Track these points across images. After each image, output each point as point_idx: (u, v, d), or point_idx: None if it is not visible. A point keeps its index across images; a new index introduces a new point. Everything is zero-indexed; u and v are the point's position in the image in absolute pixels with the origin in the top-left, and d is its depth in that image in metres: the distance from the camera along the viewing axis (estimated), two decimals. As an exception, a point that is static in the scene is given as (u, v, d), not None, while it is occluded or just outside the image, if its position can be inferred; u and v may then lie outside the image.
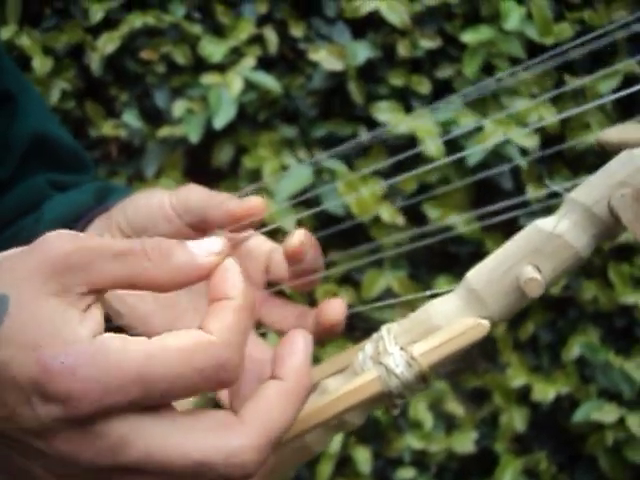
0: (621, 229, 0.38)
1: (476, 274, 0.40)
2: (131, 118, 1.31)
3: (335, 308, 0.47)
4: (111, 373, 0.30)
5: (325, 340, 0.48)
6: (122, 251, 0.33)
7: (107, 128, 1.33)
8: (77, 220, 0.53)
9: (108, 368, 0.30)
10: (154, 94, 1.32)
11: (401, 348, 0.39)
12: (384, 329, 0.42)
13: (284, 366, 0.35)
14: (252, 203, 0.45)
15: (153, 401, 0.31)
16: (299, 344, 0.36)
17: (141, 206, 0.49)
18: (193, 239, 0.36)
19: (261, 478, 0.37)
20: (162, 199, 0.48)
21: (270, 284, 0.51)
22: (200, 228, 0.48)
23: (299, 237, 0.46)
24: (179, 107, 1.28)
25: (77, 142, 0.66)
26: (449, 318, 0.40)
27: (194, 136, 1.24)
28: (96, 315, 0.32)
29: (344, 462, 1.34)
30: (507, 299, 0.39)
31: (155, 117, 1.32)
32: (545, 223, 0.39)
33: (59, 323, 0.31)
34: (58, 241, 0.33)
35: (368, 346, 0.42)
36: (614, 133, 0.44)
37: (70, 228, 0.52)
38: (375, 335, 0.43)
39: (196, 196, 0.48)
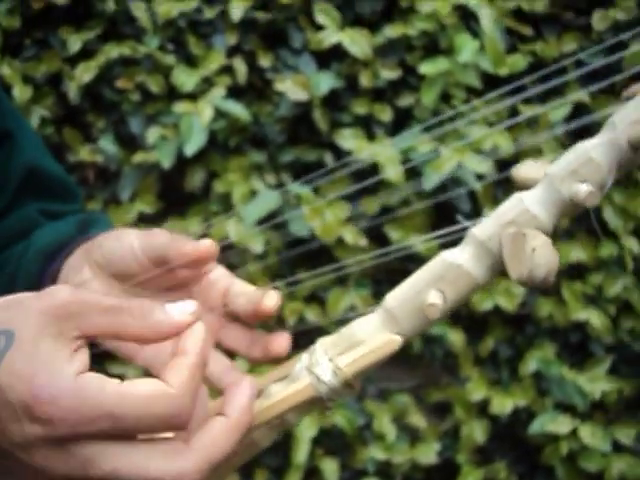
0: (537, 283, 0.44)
1: (393, 296, 0.46)
2: (107, 144, 1.36)
3: (281, 343, 0.53)
4: (87, 406, 0.37)
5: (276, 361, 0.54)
6: (111, 307, 0.39)
7: (84, 153, 1.38)
8: (61, 249, 0.59)
9: (85, 402, 0.37)
10: (129, 121, 1.37)
11: (330, 359, 0.46)
12: (318, 343, 0.48)
13: (230, 405, 0.42)
14: (203, 247, 0.51)
15: (119, 433, 0.38)
16: (245, 388, 0.43)
17: (114, 245, 0.55)
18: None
19: (215, 471, 0.44)
20: (132, 240, 0.55)
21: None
22: (163, 265, 0.54)
23: (273, 301, 0.51)
24: (153, 133, 1.33)
25: (66, 173, 0.72)
26: (369, 334, 0.46)
27: (166, 162, 1.30)
28: (83, 356, 0.39)
29: (312, 473, 1.39)
30: (416, 319, 0.45)
31: (130, 143, 1.38)
32: (449, 254, 0.45)
33: (51, 360, 0.37)
34: (61, 292, 0.39)
35: (304, 357, 0.48)
36: (523, 170, 0.50)
37: (54, 256, 0.58)
38: (311, 347, 0.49)
39: (160, 240, 0.54)
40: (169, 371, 0.39)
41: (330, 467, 1.38)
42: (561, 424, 1.35)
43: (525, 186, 0.48)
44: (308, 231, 1.27)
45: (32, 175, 0.67)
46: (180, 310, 0.41)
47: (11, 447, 0.38)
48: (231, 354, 0.56)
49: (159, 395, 0.38)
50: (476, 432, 1.41)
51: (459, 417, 1.42)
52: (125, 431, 0.38)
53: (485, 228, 0.44)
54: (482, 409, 1.41)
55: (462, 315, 1.40)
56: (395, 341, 0.45)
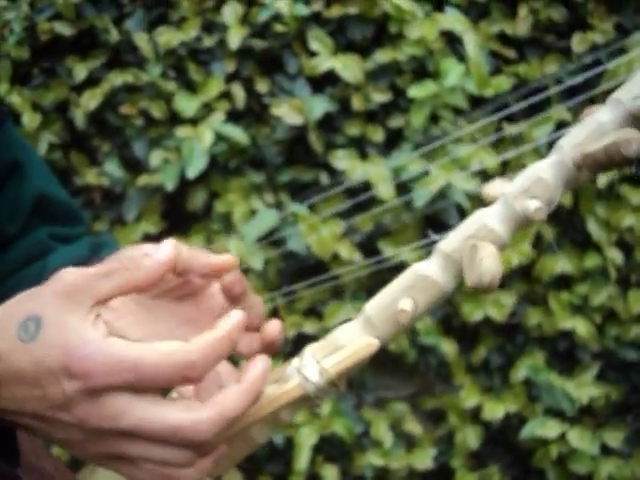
0: (485, 287, 0.50)
1: (370, 305, 0.52)
2: (112, 167, 1.43)
3: (273, 328, 0.58)
4: (115, 360, 0.43)
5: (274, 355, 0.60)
6: (110, 270, 0.46)
7: (90, 177, 1.44)
8: None
9: (113, 357, 0.43)
10: (133, 145, 1.43)
11: (317, 362, 0.52)
12: (307, 348, 0.54)
13: (244, 374, 0.48)
14: (229, 260, 0.56)
15: (143, 385, 0.44)
16: (259, 361, 0.49)
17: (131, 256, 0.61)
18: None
19: (218, 463, 0.50)
20: (150, 250, 0.60)
21: None
22: (182, 275, 0.59)
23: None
24: (156, 157, 1.40)
25: (72, 199, 0.78)
26: (351, 338, 0.52)
27: (170, 184, 1.36)
28: (103, 322, 0.45)
29: (312, 479, 1.45)
30: (391, 324, 0.51)
31: (134, 166, 1.44)
32: (419, 266, 0.51)
33: (79, 328, 0.44)
34: (68, 274, 0.46)
35: (295, 360, 0.54)
36: (491, 188, 0.56)
37: None
38: (302, 351, 0.55)
39: (182, 251, 0.60)
40: (198, 335, 0.46)
41: (330, 473, 1.43)
42: (551, 429, 1.41)
43: (492, 202, 0.54)
44: (305, 247, 1.33)
45: (41, 202, 0.73)
46: (161, 251, 0.48)
47: (51, 410, 0.45)
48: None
49: (177, 349, 0.44)
50: (470, 438, 1.47)
51: (453, 423, 1.48)
52: (147, 382, 0.44)
53: (450, 242, 0.50)
54: (475, 415, 1.47)
55: (454, 326, 1.46)
56: (373, 344, 0.51)
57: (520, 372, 1.45)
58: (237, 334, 0.47)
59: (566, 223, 1.45)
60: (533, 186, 0.51)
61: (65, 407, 0.45)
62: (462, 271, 0.50)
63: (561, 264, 1.42)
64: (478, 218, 0.50)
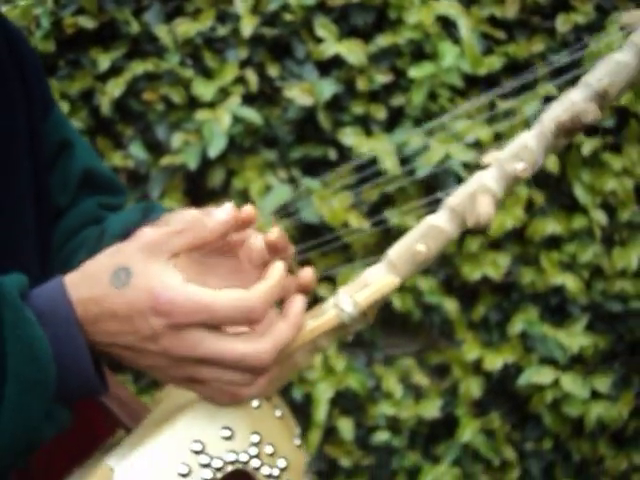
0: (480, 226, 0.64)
1: (393, 250, 0.65)
2: (137, 150, 1.54)
3: (307, 273, 0.68)
4: (193, 302, 0.52)
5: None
6: (181, 229, 0.56)
7: (116, 159, 1.55)
8: (130, 232, 0.71)
9: (192, 300, 0.53)
10: (155, 129, 1.54)
11: (350, 296, 0.64)
12: (340, 289, 0.67)
13: (288, 311, 0.60)
14: (245, 211, 0.64)
15: (214, 323, 0.54)
16: (298, 300, 0.60)
17: (180, 218, 0.69)
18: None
19: (268, 385, 0.62)
20: (195, 213, 0.68)
21: None
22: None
23: (275, 233, 0.66)
24: (177, 139, 1.51)
25: (113, 172, 0.89)
26: (377, 277, 0.65)
27: (192, 164, 1.48)
28: (181, 272, 0.54)
29: (330, 432, 1.58)
30: (409, 264, 0.64)
31: (157, 148, 1.55)
32: (431, 218, 0.64)
33: (162, 275, 0.53)
34: (148, 232, 0.56)
35: (332, 298, 0.67)
36: (488, 156, 0.69)
37: (125, 239, 0.75)
38: (336, 292, 0.67)
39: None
40: (254, 287, 0.56)
41: (346, 425, 1.56)
42: (545, 376, 1.55)
43: (489, 167, 0.67)
44: (318, 218, 1.46)
45: (88, 175, 0.82)
46: (220, 212, 0.57)
47: (141, 342, 0.54)
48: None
49: (243, 296, 0.55)
50: (472, 388, 1.60)
51: (457, 376, 1.61)
52: (217, 321, 0.54)
53: (455, 198, 0.64)
54: (477, 367, 1.60)
55: (455, 286, 1.59)
56: (395, 281, 0.64)
57: (516, 326, 1.58)
58: (283, 282, 0.58)
59: (554, 188, 1.57)
60: (520, 152, 0.64)
61: (152, 339, 0.54)
62: (464, 221, 0.63)
63: (551, 226, 1.55)
64: (477, 178, 0.63)
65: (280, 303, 0.63)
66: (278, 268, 0.58)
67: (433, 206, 0.67)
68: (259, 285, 0.56)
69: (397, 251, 0.65)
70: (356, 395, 1.57)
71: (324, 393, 1.52)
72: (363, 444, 1.59)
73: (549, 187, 1.57)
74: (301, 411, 1.55)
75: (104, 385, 0.58)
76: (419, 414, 1.59)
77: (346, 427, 1.56)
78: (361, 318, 0.65)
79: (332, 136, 1.53)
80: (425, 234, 0.64)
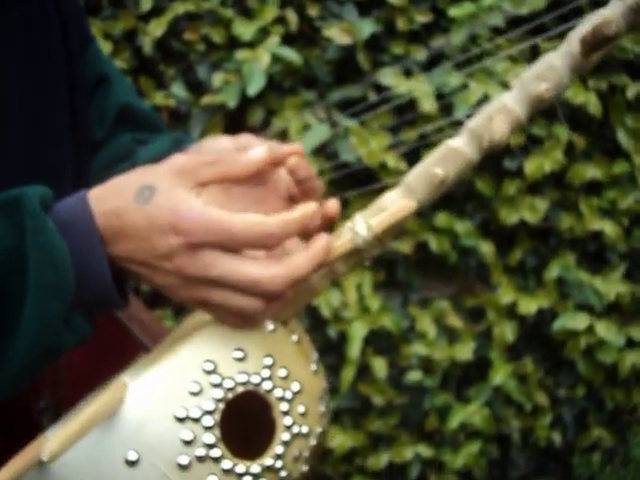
0: (495, 144, 0.64)
1: (411, 174, 0.65)
2: (178, 89, 1.56)
3: (332, 205, 0.68)
4: (212, 223, 0.53)
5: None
6: (214, 160, 0.57)
7: (158, 99, 1.57)
8: (161, 160, 0.77)
9: (211, 220, 0.53)
10: (196, 68, 1.56)
11: (365, 221, 0.65)
12: (357, 214, 0.68)
13: (312, 245, 0.59)
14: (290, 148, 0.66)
15: (231, 246, 0.54)
16: (323, 238, 0.60)
17: (212, 148, 0.70)
18: None
19: (282, 309, 0.62)
20: (225, 142, 0.70)
21: None
22: None
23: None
24: (218, 79, 1.52)
25: (152, 110, 0.90)
26: (393, 202, 0.66)
27: (232, 102, 1.50)
28: (202, 198, 0.55)
29: (364, 370, 1.60)
30: (427, 188, 0.65)
31: (198, 88, 1.56)
32: (450, 141, 0.65)
33: (184, 197, 0.54)
34: (180, 157, 0.56)
35: (348, 223, 0.67)
36: (514, 80, 0.69)
37: None
38: (353, 217, 0.68)
39: (248, 140, 0.69)
40: (275, 215, 0.57)
41: (379, 364, 1.58)
42: (580, 321, 1.54)
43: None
44: (355, 158, 1.46)
45: (125, 110, 0.82)
46: (256, 152, 0.58)
47: (156, 259, 0.55)
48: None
49: (261, 221, 0.56)
50: (506, 332, 1.60)
51: (491, 319, 1.62)
52: (235, 244, 0.55)
53: (475, 120, 0.64)
54: (511, 311, 1.61)
55: (492, 229, 1.59)
56: (411, 205, 0.65)
57: (552, 271, 1.58)
58: (307, 221, 0.58)
59: (596, 132, 1.55)
60: (545, 72, 0.63)
61: (168, 257, 0.55)
62: (484, 145, 0.64)
63: (591, 171, 1.53)
64: (499, 100, 0.63)
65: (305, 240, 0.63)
66: (308, 207, 0.59)
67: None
68: (281, 215, 0.57)
69: (415, 175, 0.65)
70: (390, 335, 1.59)
71: (358, 331, 1.54)
72: (396, 383, 1.62)
73: (591, 131, 1.55)
74: (335, 349, 1.58)
75: (123, 299, 0.60)
76: (452, 356, 1.60)
77: (379, 366, 1.58)
78: (376, 242, 0.65)
79: (371, 76, 1.52)
80: (443, 158, 0.65)
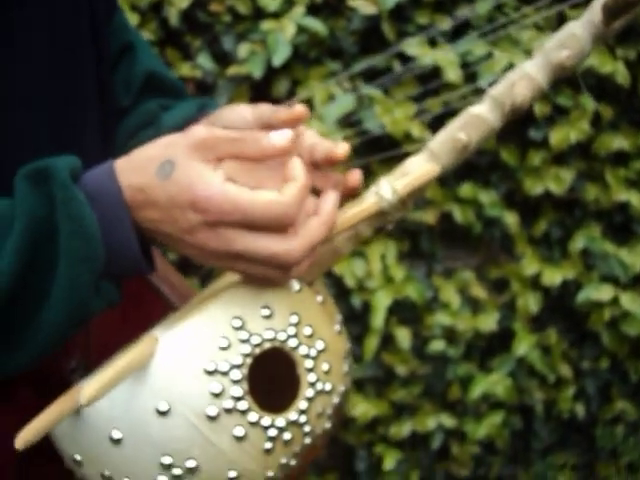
0: (517, 109, 0.64)
1: (434, 140, 0.66)
2: (204, 61, 1.56)
3: (354, 176, 0.69)
4: (229, 201, 0.54)
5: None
6: (234, 138, 0.56)
7: (184, 70, 1.57)
8: (186, 125, 0.75)
9: (228, 199, 0.54)
10: (222, 39, 1.56)
11: (389, 184, 0.66)
12: (382, 178, 0.69)
13: (321, 209, 0.61)
14: (297, 110, 0.67)
15: (249, 223, 0.55)
16: (331, 196, 0.62)
17: (231, 115, 0.72)
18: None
19: (310, 269, 0.64)
20: (244, 111, 0.72)
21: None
22: (268, 129, 0.69)
23: (343, 149, 0.67)
24: (243, 49, 1.53)
25: (177, 78, 0.91)
26: (417, 166, 0.66)
27: (257, 72, 1.50)
28: (221, 173, 0.56)
29: (387, 340, 1.62)
30: (450, 153, 0.65)
31: (224, 59, 1.57)
32: (472, 108, 0.65)
33: (203, 174, 0.55)
34: (200, 131, 0.56)
35: (373, 187, 0.68)
36: (536, 47, 0.69)
37: (182, 130, 0.77)
38: (378, 180, 0.69)
39: (266, 109, 0.71)
40: (284, 187, 0.58)
41: (403, 334, 1.59)
42: (605, 292, 1.54)
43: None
44: (380, 127, 1.47)
45: (150, 78, 0.83)
46: (279, 136, 0.58)
47: (180, 233, 0.57)
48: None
49: (277, 200, 0.56)
50: (530, 303, 1.61)
51: (515, 290, 1.62)
52: (252, 222, 0.55)
53: (498, 87, 0.64)
54: (535, 283, 1.61)
55: (517, 200, 1.59)
56: (435, 169, 0.66)
57: (577, 242, 1.57)
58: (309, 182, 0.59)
59: (624, 103, 1.54)
60: (567, 40, 0.63)
61: (189, 232, 0.56)
62: (506, 111, 0.64)
63: (618, 141, 1.52)
64: (520, 67, 0.64)
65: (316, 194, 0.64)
66: (295, 164, 0.59)
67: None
68: (290, 187, 0.57)
69: (438, 140, 0.66)
70: (414, 305, 1.59)
71: (382, 301, 1.55)
72: (419, 353, 1.63)
73: (619, 101, 1.53)
74: (359, 319, 1.59)
75: (151, 265, 0.62)
76: (476, 326, 1.61)
77: (403, 336, 1.60)
78: (400, 206, 0.67)
79: (396, 46, 1.52)
80: (466, 123, 0.65)
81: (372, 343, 1.57)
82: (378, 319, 1.55)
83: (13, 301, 0.56)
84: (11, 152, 0.63)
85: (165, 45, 1.59)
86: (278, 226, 0.57)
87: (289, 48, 1.49)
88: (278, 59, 1.48)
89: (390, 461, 1.62)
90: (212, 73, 1.57)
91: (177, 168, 0.56)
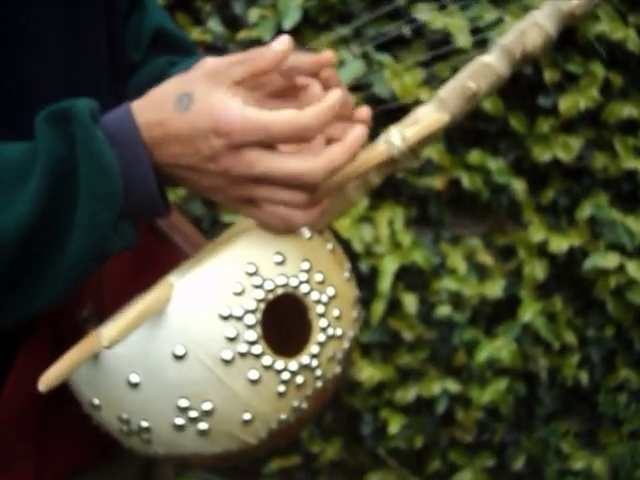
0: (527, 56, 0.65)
1: (444, 88, 0.67)
2: (214, 25, 1.57)
3: (363, 110, 0.69)
4: (251, 123, 0.55)
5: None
6: (243, 58, 0.59)
7: (195, 34, 1.58)
8: None
9: (250, 120, 0.56)
10: (232, 4, 1.56)
11: (399, 131, 0.67)
12: (392, 126, 0.70)
13: (346, 137, 0.61)
14: (326, 55, 0.67)
15: (271, 142, 0.57)
16: (358, 129, 0.62)
17: None
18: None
19: (319, 215, 0.65)
20: None
21: None
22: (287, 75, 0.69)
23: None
24: (253, 14, 1.53)
25: (186, 34, 0.91)
26: (427, 114, 0.67)
27: (267, 36, 1.51)
28: (240, 97, 0.57)
29: (394, 305, 1.62)
30: (459, 101, 0.66)
31: (234, 23, 1.57)
32: (483, 57, 0.66)
33: (222, 99, 0.56)
34: (209, 60, 0.58)
35: (383, 135, 0.69)
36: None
37: None
38: (388, 128, 0.70)
39: (292, 57, 0.67)
40: (308, 107, 0.58)
41: (409, 299, 1.60)
42: (611, 260, 1.55)
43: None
44: (389, 92, 1.47)
45: (159, 33, 0.83)
46: (279, 42, 0.59)
47: (202, 162, 0.58)
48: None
49: (297, 114, 0.57)
50: (537, 270, 1.62)
51: (522, 257, 1.63)
52: (273, 140, 0.57)
53: (507, 36, 0.65)
54: (542, 250, 1.62)
55: (525, 167, 1.59)
56: (444, 118, 0.66)
57: (585, 211, 1.58)
58: (339, 106, 0.59)
59: (635, 70, 1.54)
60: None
61: (212, 159, 0.57)
62: (515, 60, 0.65)
63: (628, 109, 1.52)
64: (530, 17, 0.64)
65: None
66: (335, 93, 0.60)
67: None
68: (314, 106, 0.59)
69: (447, 89, 0.67)
70: (421, 270, 1.60)
71: (390, 266, 1.56)
72: (425, 319, 1.64)
73: (629, 68, 1.53)
74: (367, 283, 1.60)
75: (167, 207, 0.62)
76: (482, 293, 1.62)
77: (410, 301, 1.61)
78: (410, 154, 0.67)
79: (406, 11, 1.52)
80: (476, 72, 0.66)
81: (379, 308, 1.58)
82: (385, 284, 1.56)
83: (35, 241, 0.57)
84: (27, 98, 0.64)
85: (176, 9, 1.59)
86: (299, 141, 0.58)
87: (299, 13, 1.49)
88: (288, 23, 1.48)
89: (395, 426, 1.64)
90: (222, 37, 1.57)
91: (195, 98, 0.57)
